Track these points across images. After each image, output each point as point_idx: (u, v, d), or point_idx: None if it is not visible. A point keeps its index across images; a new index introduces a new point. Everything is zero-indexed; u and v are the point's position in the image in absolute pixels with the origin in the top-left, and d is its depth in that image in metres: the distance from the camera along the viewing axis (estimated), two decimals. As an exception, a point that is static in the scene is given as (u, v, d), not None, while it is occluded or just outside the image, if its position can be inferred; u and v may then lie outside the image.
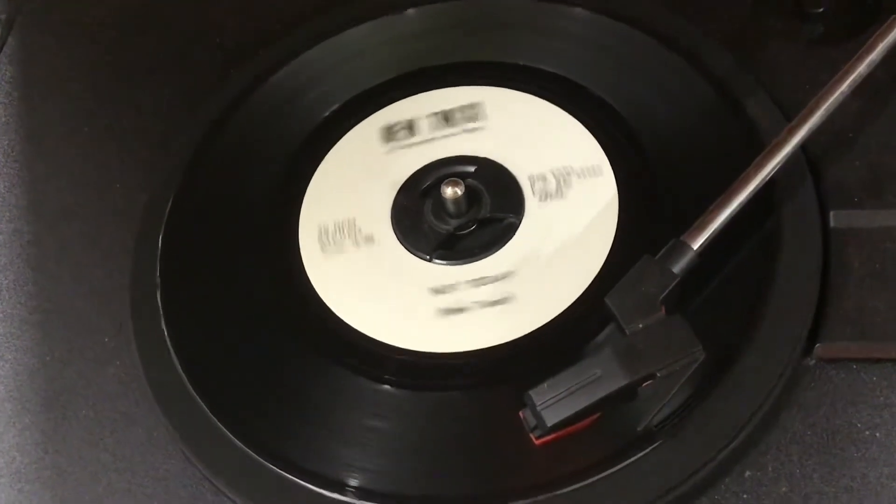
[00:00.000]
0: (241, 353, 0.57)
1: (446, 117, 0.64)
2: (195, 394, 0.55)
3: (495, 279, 0.57)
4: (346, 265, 0.59)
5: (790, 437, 0.51)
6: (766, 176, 0.53)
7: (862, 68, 0.55)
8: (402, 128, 0.64)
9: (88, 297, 0.61)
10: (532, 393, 0.49)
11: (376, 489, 0.51)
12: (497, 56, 0.66)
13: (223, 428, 0.53)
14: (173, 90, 0.70)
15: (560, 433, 0.49)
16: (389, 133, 0.64)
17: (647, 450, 0.49)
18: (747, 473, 0.51)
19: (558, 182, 0.60)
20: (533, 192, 0.60)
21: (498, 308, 0.56)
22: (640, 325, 0.50)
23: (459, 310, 0.56)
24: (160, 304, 0.58)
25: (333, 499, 0.51)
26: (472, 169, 0.61)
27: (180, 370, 0.56)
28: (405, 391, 0.54)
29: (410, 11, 0.68)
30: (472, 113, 0.64)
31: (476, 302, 0.57)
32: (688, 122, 0.61)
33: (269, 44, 0.70)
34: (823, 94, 0.55)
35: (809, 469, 0.50)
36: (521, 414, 0.49)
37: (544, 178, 0.60)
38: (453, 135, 0.64)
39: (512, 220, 0.59)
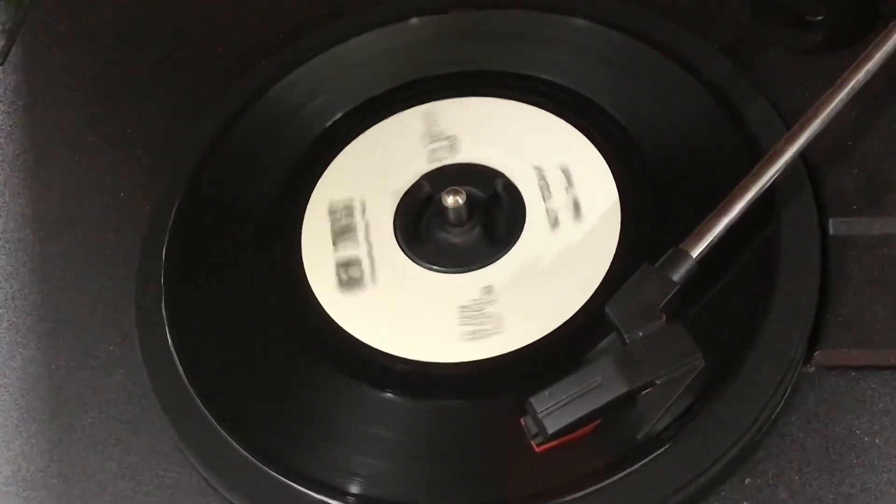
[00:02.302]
0: (245, 362, 0.58)
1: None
2: (200, 402, 0.55)
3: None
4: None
5: (790, 444, 0.52)
6: (766, 184, 0.54)
7: (860, 76, 0.56)
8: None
9: (93, 306, 0.62)
10: (533, 400, 0.49)
11: (380, 497, 0.51)
12: (496, 66, 0.66)
13: (228, 436, 0.53)
14: (176, 99, 0.71)
15: (561, 440, 0.49)
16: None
17: (648, 457, 0.49)
18: (747, 480, 0.51)
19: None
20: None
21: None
22: (640, 334, 0.50)
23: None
24: (164, 313, 0.59)
25: (338, 507, 0.51)
26: (473, 177, 0.62)
27: (185, 378, 0.56)
28: (408, 399, 0.54)
29: (413, 21, 0.69)
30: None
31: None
32: (687, 129, 0.61)
33: (273, 53, 0.70)
34: (822, 101, 0.55)
35: (809, 476, 0.51)
36: (522, 421, 0.50)
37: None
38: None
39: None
